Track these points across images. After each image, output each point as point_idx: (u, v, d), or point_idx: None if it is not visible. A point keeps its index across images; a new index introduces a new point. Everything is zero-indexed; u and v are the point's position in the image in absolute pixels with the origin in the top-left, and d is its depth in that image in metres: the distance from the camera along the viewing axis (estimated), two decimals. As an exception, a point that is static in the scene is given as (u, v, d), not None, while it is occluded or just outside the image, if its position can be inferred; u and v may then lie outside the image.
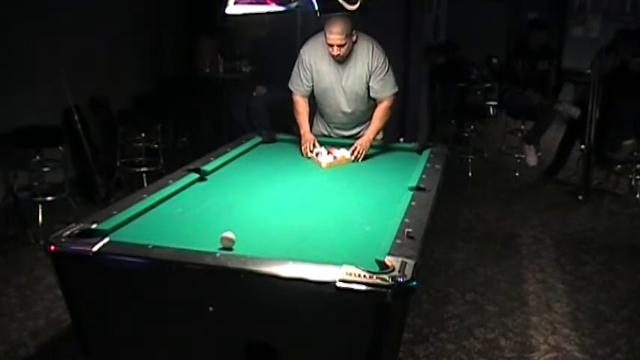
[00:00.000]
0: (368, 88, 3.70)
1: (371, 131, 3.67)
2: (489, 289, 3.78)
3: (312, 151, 3.52)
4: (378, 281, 1.81)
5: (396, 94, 3.77)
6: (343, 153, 3.42)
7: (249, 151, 3.60)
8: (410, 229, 2.22)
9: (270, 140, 3.83)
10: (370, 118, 3.76)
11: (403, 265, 1.91)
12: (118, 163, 5.37)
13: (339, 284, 1.80)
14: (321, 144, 3.57)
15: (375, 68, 3.64)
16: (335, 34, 3.46)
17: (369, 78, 3.66)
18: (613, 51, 5.74)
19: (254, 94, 6.20)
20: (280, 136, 3.92)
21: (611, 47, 5.82)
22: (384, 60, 3.68)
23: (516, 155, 6.31)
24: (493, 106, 8.44)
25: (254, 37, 6.29)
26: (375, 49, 3.66)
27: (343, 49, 3.53)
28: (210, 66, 6.16)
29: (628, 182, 5.67)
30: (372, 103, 3.81)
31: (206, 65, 6.14)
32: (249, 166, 3.33)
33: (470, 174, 6.13)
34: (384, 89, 3.69)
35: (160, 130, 5.53)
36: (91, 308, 2.15)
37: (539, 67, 6.15)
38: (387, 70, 3.69)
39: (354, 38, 3.57)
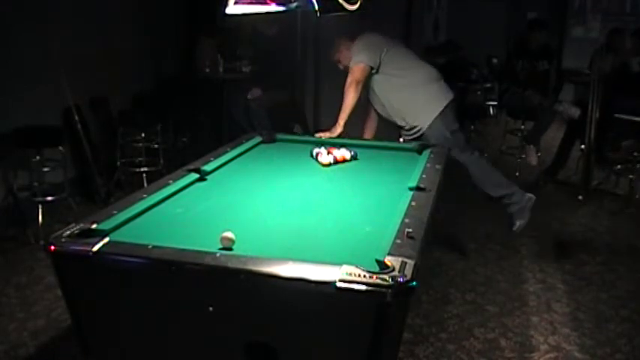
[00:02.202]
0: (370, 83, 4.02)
1: (340, 115, 3.95)
2: (489, 289, 3.78)
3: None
4: (378, 281, 1.81)
5: (358, 67, 3.93)
6: (343, 153, 3.42)
7: (249, 151, 3.60)
8: (410, 229, 2.22)
9: (270, 140, 3.83)
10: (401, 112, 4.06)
11: (403, 265, 1.91)
12: (118, 163, 5.37)
13: (339, 284, 1.80)
14: (321, 144, 3.57)
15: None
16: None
17: None
18: (612, 51, 5.75)
19: (249, 96, 6.19)
20: (280, 136, 3.93)
21: (610, 47, 5.83)
22: (358, 41, 4.01)
23: (516, 155, 6.31)
24: (493, 106, 8.45)
25: (255, 37, 6.29)
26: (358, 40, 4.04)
27: (340, 65, 4.12)
28: (210, 66, 6.15)
29: (628, 182, 5.67)
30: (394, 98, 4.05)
31: (206, 65, 6.14)
32: (249, 166, 3.33)
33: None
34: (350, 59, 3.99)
35: (160, 130, 5.53)
36: (91, 308, 2.14)
37: (539, 67, 6.16)
38: (358, 46, 3.99)
39: (343, 53, 4.08)
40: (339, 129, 3.88)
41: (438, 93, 4.06)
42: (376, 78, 4.02)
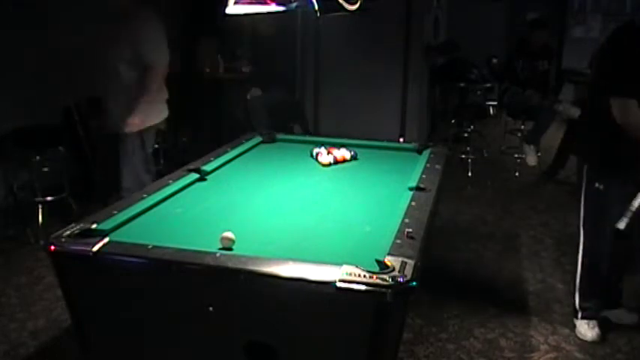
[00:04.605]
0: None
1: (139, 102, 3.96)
2: (489, 289, 3.78)
3: None
4: (378, 281, 1.81)
5: (164, 67, 4.12)
6: (343, 153, 3.42)
7: (249, 151, 3.60)
8: (410, 229, 2.22)
9: (270, 140, 3.83)
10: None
11: (403, 265, 1.91)
12: (118, 162, 5.36)
13: (339, 284, 1.80)
14: (321, 144, 3.58)
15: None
16: None
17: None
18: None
19: (248, 97, 6.19)
20: (280, 136, 3.93)
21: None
22: (153, 28, 4.05)
23: (516, 155, 6.31)
24: (493, 106, 8.44)
25: (255, 38, 6.29)
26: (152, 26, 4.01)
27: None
28: (210, 66, 6.16)
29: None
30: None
31: (206, 65, 6.14)
32: (249, 166, 3.33)
33: (470, 174, 6.13)
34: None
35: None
36: (91, 308, 2.15)
37: (539, 67, 6.16)
38: (156, 37, 4.05)
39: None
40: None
41: (159, 111, 4.30)
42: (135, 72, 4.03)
